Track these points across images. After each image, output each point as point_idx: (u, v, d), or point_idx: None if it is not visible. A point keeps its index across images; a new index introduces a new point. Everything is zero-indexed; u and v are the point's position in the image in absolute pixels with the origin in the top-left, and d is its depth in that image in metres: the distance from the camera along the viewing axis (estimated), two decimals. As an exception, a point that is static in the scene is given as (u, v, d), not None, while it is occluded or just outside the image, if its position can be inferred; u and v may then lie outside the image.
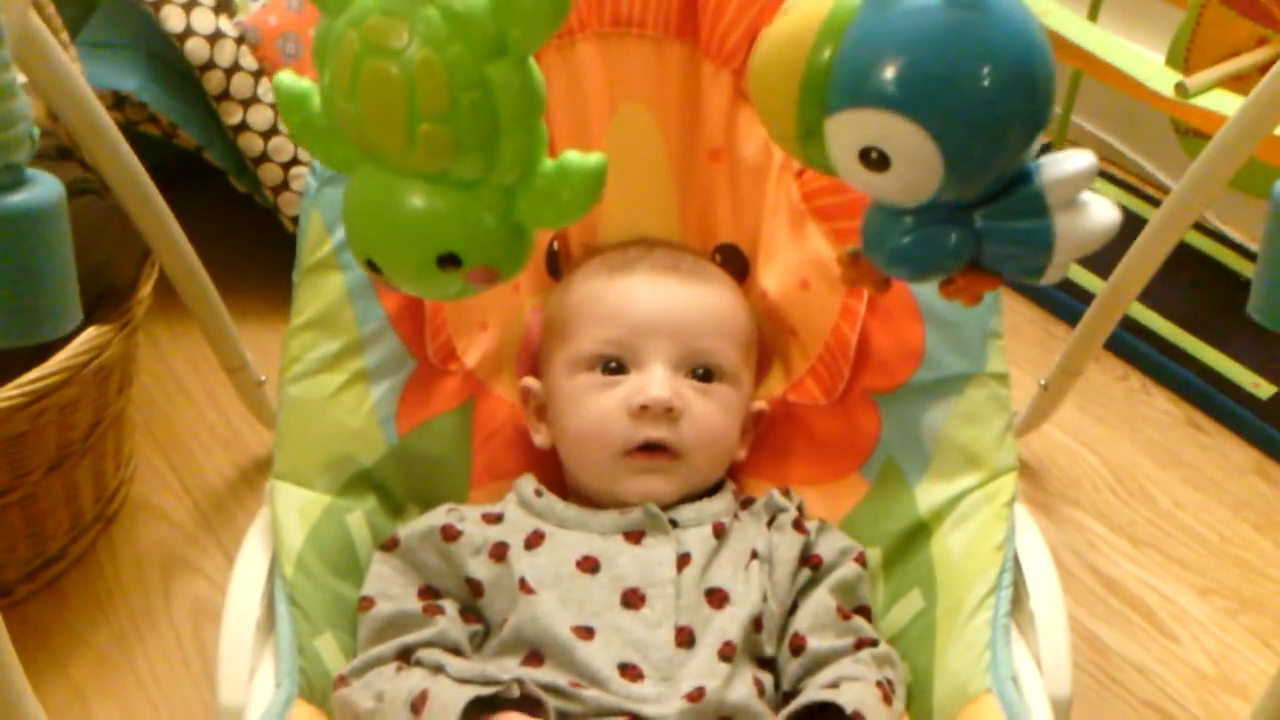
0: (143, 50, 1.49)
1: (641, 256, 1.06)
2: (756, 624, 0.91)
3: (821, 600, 0.94)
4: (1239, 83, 1.41)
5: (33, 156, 0.56)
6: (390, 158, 0.65)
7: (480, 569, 0.93)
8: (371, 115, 0.63)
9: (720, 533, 0.96)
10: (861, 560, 0.98)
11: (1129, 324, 1.61)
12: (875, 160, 0.62)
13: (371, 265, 0.69)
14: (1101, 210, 0.64)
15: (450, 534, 0.94)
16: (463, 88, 0.61)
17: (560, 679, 0.86)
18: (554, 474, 1.05)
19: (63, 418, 1.14)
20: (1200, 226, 1.79)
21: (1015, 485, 0.98)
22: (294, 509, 0.96)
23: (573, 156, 0.63)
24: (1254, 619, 1.32)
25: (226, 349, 1.27)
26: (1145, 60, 1.47)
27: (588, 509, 0.98)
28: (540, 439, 1.05)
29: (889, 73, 0.60)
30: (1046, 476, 1.46)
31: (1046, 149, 0.66)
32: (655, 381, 0.98)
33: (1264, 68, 1.13)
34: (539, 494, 1.00)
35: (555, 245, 1.14)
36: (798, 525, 0.98)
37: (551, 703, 0.84)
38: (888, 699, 0.87)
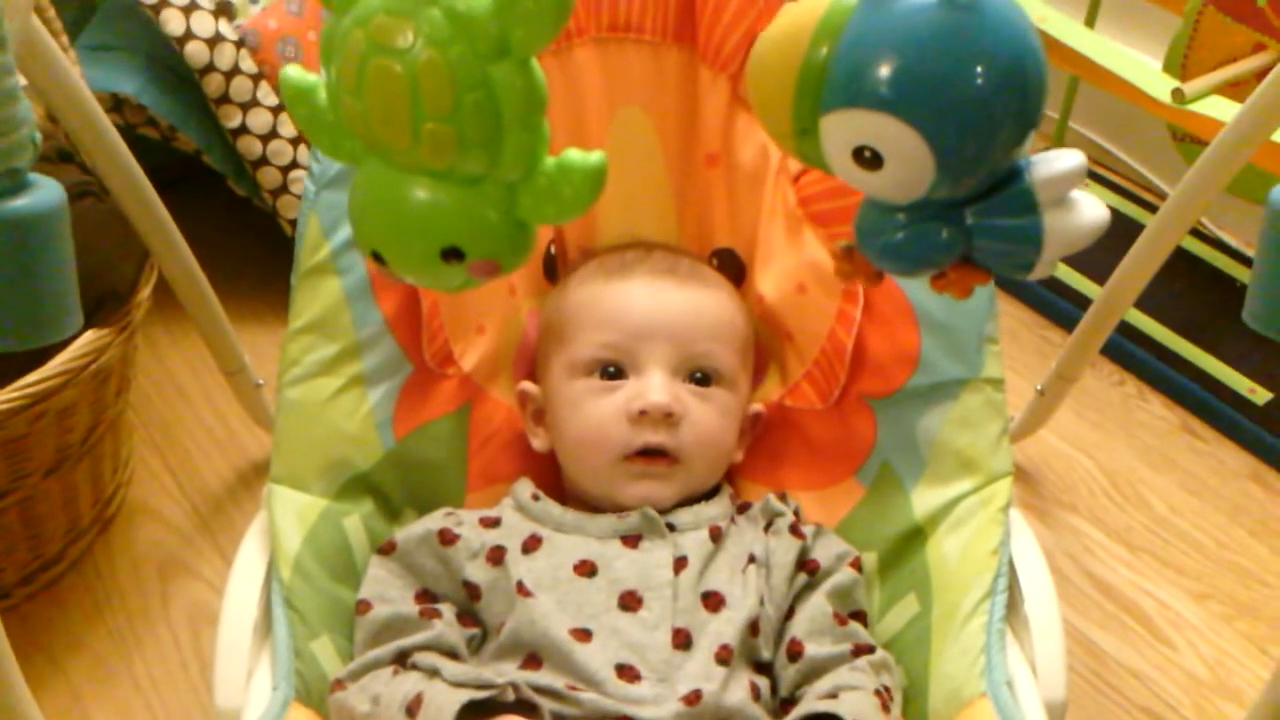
0: (142, 53, 1.49)
1: (639, 260, 1.06)
2: (753, 628, 0.91)
3: (818, 606, 0.94)
4: (1236, 89, 1.41)
5: (35, 161, 0.56)
6: (396, 154, 0.65)
7: (478, 572, 0.94)
8: (377, 113, 0.63)
9: (717, 536, 0.96)
10: (857, 565, 0.98)
11: (1125, 329, 1.62)
12: (869, 159, 0.63)
13: (377, 257, 0.70)
14: (1090, 208, 0.65)
15: (448, 538, 0.94)
16: (466, 88, 0.61)
17: (557, 681, 0.86)
18: (551, 477, 1.05)
19: (61, 421, 1.15)
20: (1197, 232, 1.79)
21: (1011, 490, 0.99)
22: (291, 512, 0.96)
23: (574, 154, 0.64)
24: (1249, 624, 1.32)
25: (225, 352, 1.27)
26: (1142, 66, 1.47)
27: (585, 513, 0.98)
28: (538, 443, 1.05)
29: (883, 74, 0.60)
30: (1042, 481, 1.47)
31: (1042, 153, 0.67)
32: (654, 386, 0.98)
33: (1261, 74, 1.13)
34: (536, 498, 1.00)
35: (553, 249, 1.14)
36: (794, 530, 0.98)
37: (548, 706, 0.85)
38: (886, 707, 0.87)
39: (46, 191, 0.56)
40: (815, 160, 0.67)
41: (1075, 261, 1.69)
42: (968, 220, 0.66)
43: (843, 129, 0.63)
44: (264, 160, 1.49)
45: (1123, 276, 1.20)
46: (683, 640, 0.89)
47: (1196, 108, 1.37)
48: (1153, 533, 1.42)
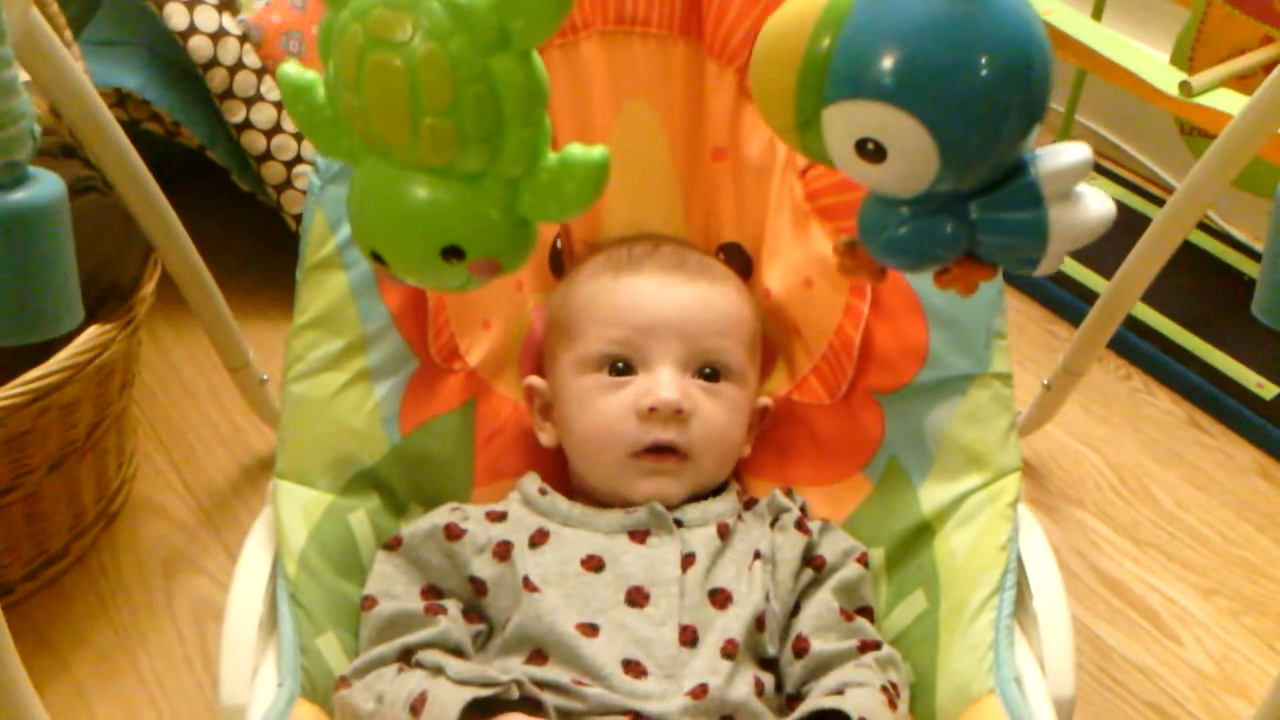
0: (146, 48, 1.49)
1: (647, 255, 1.06)
2: (759, 624, 0.91)
3: (824, 602, 0.94)
4: (1244, 82, 1.40)
5: (34, 154, 0.56)
6: (394, 150, 0.65)
7: (484, 568, 0.93)
8: (375, 108, 0.63)
9: (725, 533, 0.96)
10: (864, 561, 0.98)
11: (1132, 323, 1.61)
12: (872, 151, 0.62)
13: (376, 257, 0.70)
14: (1096, 202, 0.64)
15: (453, 533, 0.94)
16: (466, 81, 0.61)
17: (564, 677, 0.86)
18: (557, 473, 1.05)
19: (65, 416, 1.14)
20: (1204, 226, 1.78)
21: (1019, 486, 0.98)
22: (296, 508, 0.96)
23: (576, 149, 0.63)
24: (1257, 620, 1.31)
25: (229, 347, 1.26)
26: (1149, 59, 1.46)
27: (592, 507, 0.98)
28: (545, 438, 1.04)
29: (885, 65, 0.59)
30: (1049, 476, 1.46)
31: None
32: (664, 383, 0.98)
33: (1269, 66, 1.13)
34: (543, 492, 0.99)
35: (559, 243, 1.13)
36: (801, 526, 0.98)
37: (554, 701, 0.84)
38: (892, 704, 0.87)
39: (46, 185, 0.56)
40: (818, 154, 0.67)
41: (1082, 256, 1.68)
42: (972, 214, 0.65)
43: (845, 121, 0.63)
44: (268, 155, 1.49)
45: (1130, 270, 1.19)
46: (689, 637, 0.89)
47: (1204, 101, 1.37)
48: (1159, 528, 1.41)
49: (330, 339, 1.00)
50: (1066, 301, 1.67)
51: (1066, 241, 0.64)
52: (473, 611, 0.93)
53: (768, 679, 0.90)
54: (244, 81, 1.45)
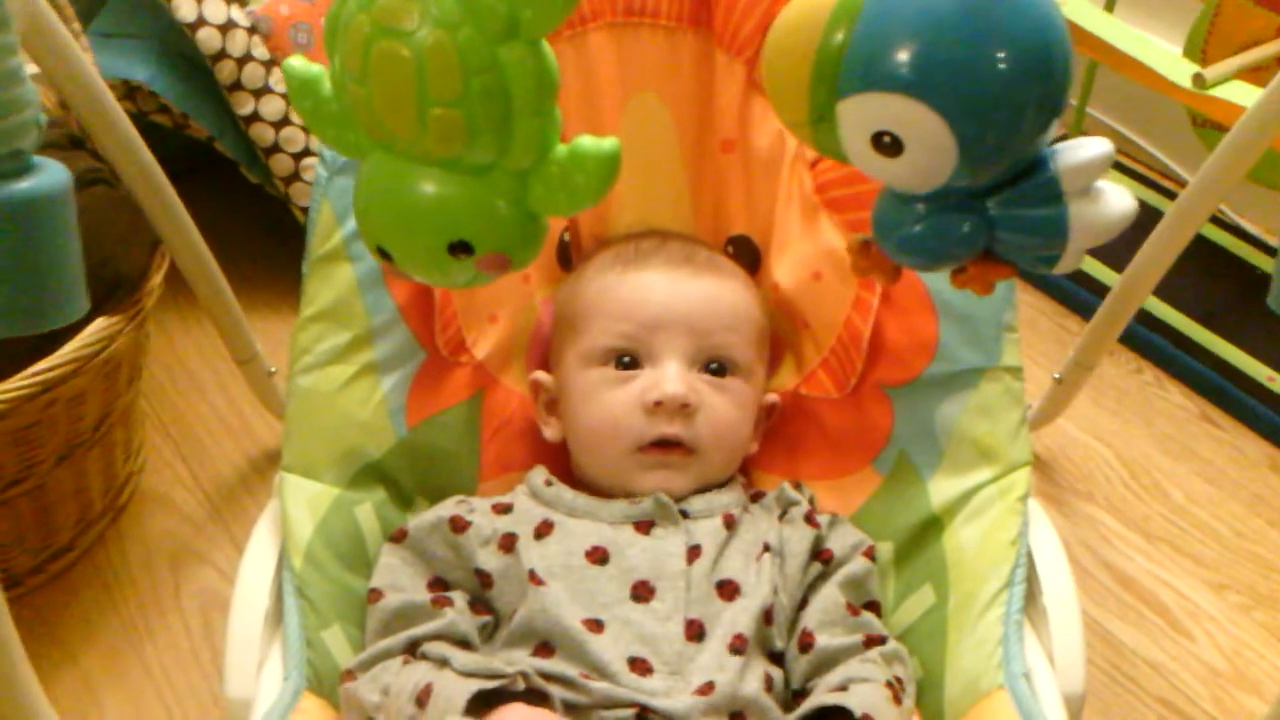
0: (154, 40, 1.49)
1: (655, 249, 1.05)
2: (767, 617, 0.90)
3: (831, 596, 0.93)
4: (1257, 74, 1.40)
5: (40, 144, 0.56)
6: (401, 143, 0.64)
7: (489, 560, 0.93)
8: (382, 99, 0.62)
9: (731, 524, 0.95)
10: (870, 554, 0.98)
11: (1144, 317, 1.61)
12: (888, 145, 0.61)
13: (383, 253, 0.69)
14: (1117, 198, 0.63)
15: (459, 525, 0.94)
16: (474, 71, 0.60)
17: (570, 670, 0.85)
18: (564, 466, 1.05)
19: (72, 409, 1.14)
20: (1216, 219, 1.78)
21: (1029, 480, 0.98)
22: (303, 501, 0.96)
23: (586, 141, 0.63)
24: (1268, 615, 1.31)
25: (237, 340, 1.26)
26: (1162, 51, 1.46)
27: (597, 498, 0.98)
28: (550, 432, 1.04)
29: (903, 56, 0.59)
30: (1059, 470, 1.46)
31: (1062, 140, 0.65)
32: (670, 377, 0.97)
33: (1282, 59, 1.12)
34: (549, 483, 0.99)
35: (567, 236, 1.13)
36: (809, 519, 0.97)
37: (561, 694, 0.84)
38: (897, 699, 0.87)
39: (51, 174, 0.55)
40: (831, 149, 0.66)
41: (1093, 249, 1.66)
42: (990, 211, 0.65)
43: (861, 113, 0.62)
44: (276, 147, 1.49)
45: (1142, 264, 1.18)
46: (695, 632, 0.88)
47: (1217, 93, 1.36)
48: (1171, 522, 1.41)
49: (337, 331, 0.99)
50: (1078, 295, 1.67)
51: (1087, 238, 0.64)
52: (479, 603, 0.93)
53: (776, 673, 0.90)
54: (252, 73, 1.45)
